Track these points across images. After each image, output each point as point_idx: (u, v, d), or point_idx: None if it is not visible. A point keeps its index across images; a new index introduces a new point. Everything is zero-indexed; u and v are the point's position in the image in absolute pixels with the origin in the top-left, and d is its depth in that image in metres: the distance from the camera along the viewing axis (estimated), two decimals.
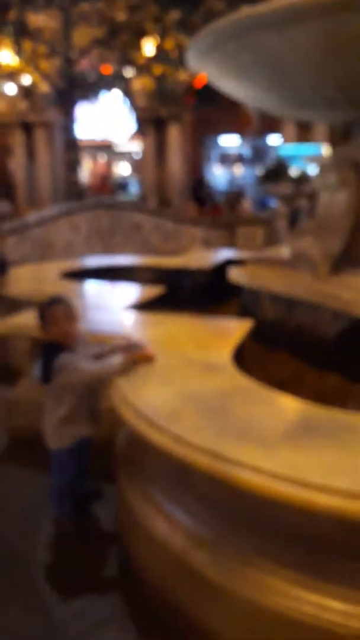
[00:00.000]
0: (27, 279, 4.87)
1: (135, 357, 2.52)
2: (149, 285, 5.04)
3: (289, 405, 2.18)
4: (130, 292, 4.63)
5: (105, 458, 2.79)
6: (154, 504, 2.20)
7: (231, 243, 9.39)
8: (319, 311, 3.70)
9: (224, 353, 2.80)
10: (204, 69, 4.12)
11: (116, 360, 2.46)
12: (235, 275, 4.80)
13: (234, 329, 3.31)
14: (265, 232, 9.59)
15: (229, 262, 5.84)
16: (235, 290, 5.15)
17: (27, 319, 3.67)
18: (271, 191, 10.39)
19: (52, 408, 2.60)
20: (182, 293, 5.29)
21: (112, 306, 4.06)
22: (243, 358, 3.27)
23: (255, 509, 1.81)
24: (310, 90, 3.61)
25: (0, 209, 13.43)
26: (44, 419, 2.65)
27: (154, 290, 4.57)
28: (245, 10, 3.18)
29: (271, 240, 9.65)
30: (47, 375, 2.51)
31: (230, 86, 4.35)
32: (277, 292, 4.16)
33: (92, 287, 4.80)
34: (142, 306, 4.18)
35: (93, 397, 2.63)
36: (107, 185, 16.16)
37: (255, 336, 3.72)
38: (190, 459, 1.78)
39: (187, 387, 2.34)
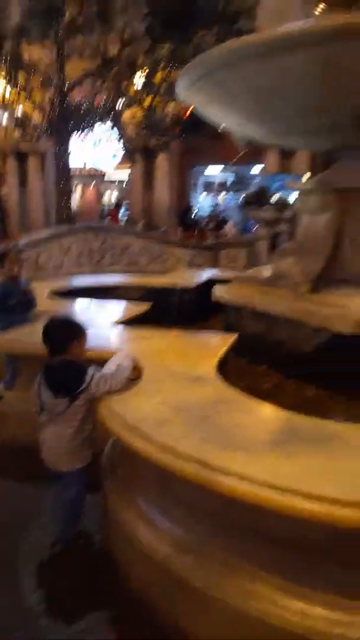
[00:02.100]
0: None
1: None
2: (137, 303, 5.01)
3: (273, 414, 2.13)
4: (117, 308, 4.59)
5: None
6: (139, 513, 2.13)
7: (215, 264, 9.39)
8: (300, 327, 3.68)
9: (208, 365, 2.76)
10: (192, 98, 4.13)
11: (127, 363, 2.46)
12: (219, 292, 4.77)
13: (218, 343, 3.28)
14: (247, 254, 9.61)
15: (213, 281, 5.84)
16: (218, 308, 5.13)
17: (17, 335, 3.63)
18: (253, 216, 10.45)
19: (78, 427, 2.41)
20: (168, 310, 5.24)
21: (100, 322, 4.00)
22: (226, 371, 3.22)
23: (240, 516, 1.76)
24: (297, 118, 3.62)
25: None
26: (53, 441, 2.46)
27: (141, 307, 4.54)
28: (237, 40, 3.18)
29: (253, 261, 9.67)
30: (72, 393, 2.37)
31: (218, 115, 4.37)
32: (260, 308, 4.14)
33: (81, 305, 4.74)
34: (129, 322, 4.13)
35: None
36: (116, 214, 15.93)
37: (237, 351, 3.68)
38: (175, 466, 1.72)
39: (172, 397, 2.29)
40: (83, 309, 4.59)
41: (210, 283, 5.85)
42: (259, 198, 10.18)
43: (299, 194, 4.50)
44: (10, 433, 3.47)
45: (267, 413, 2.16)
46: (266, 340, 4.06)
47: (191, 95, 3.99)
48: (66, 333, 2.52)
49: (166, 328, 4.68)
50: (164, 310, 5.10)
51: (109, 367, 2.52)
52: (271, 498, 1.54)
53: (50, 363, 2.51)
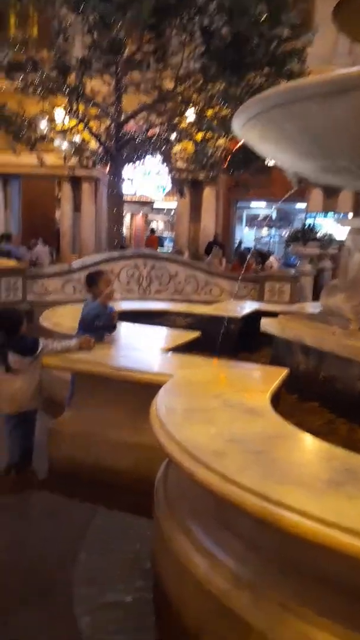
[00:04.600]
0: (67, 317, 4.85)
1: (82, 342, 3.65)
2: (185, 330, 5.03)
3: (330, 452, 2.08)
4: (167, 335, 4.61)
5: (141, 493, 2.72)
6: (194, 542, 2.09)
7: (259, 297, 9.37)
8: (351, 365, 3.62)
9: (261, 398, 2.73)
10: (246, 134, 4.20)
11: (73, 341, 3.65)
12: (267, 325, 4.76)
13: (269, 376, 3.24)
14: (291, 289, 9.55)
15: (259, 313, 5.83)
16: (263, 340, 5.10)
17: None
18: (298, 251, 10.42)
19: (34, 377, 3.54)
20: (213, 339, 5.24)
21: (150, 347, 4.04)
22: (276, 406, 3.19)
23: (299, 554, 1.71)
24: (347, 158, 3.64)
25: (38, 254, 13.71)
26: (24, 389, 3.50)
27: (190, 335, 4.54)
28: (293, 82, 3.26)
29: (297, 296, 9.60)
30: (33, 354, 3.48)
31: (270, 152, 4.43)
32: (310, 344, 4.10)
33: (132, 329, 4.78)
34: (179, 349, 4.14)
35: None
36: (156, 241, 16.44)
37: (286, 386, 3.64)
38: (238, 498, 1.69)
39: (229, 428, 2.26)
40: (134, 333, 4.63)
41: (256, 315, 5.84)
42: (304, 234, 10.16)
43: (349, 232, 4.47)
44: (63, 452, 3.49)
45: (325, 450, 2.11)
46: (316, 377, 4.01)
47: (246, 131, 4.07)
48: (18, 320, 3.59)
49: (212, 357, 4.70)
50: (209, 338, 5.09)
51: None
52: (336, 537, 1.50)
53: (12, 339, 3.51)
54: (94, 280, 4.16)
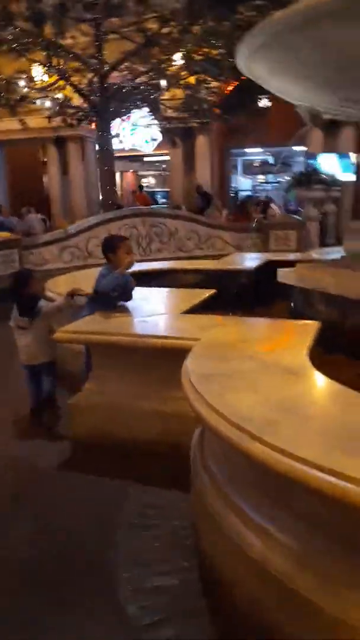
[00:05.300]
0: (69, 285, 4.62)
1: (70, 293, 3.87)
2: (197, 288, 4.81)
3: None
4: (180, 295, 4.39)
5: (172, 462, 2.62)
6: (245, 519, 1.92)
7: (265, 247, 9.11)
8: None
9: (299, 356, 2.53)
10: (254, 67, 3.86)
11: (59, 300, 3.95)
12: (284, 276, 4.54)
13: (301, 331, 3.03)
14: (297, 236, 9.28)
15: (270, 264, 5.60)
16: (278, 292, 4.89)
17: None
18: (302, 195, 10.08)
19: (44, 332, 3.81)
20: (227, 295, 5.02)
21: (167, 310, 3.84)
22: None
23: None
24: None
25: (31, 223, 13.25)
26: (30, 344, 3.86)
27: (206, 293, 4.32)
28: None
29: (303, 243, 9.33)
30: (30, 314, 3.82)
31: (283, 85, 4.09)
32: (334, 292, 3.89)
33: (142, 292, 4.54)
34: (196, 309, 3.93)
35: None
36: (147, 198, 16.09)
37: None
38: (302, 475, 1.51)
39: (272, 394, 2.07)
40: (145, 297, 4.40)
41: (267, 266, 5.62)
42: (309, 177, 9.80)
43: None
44: (87, 427, 3.33)
45: None
46: (341, 327, 3.81)
47: (253, 63, 3.73)
48: (21, 281, 3.91)
49: (229, 314, 4.49)
50: (222, 295, 4.88)
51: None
52: None
53: (21, 298, 3.84)
54: (112, 248, 3.76)
